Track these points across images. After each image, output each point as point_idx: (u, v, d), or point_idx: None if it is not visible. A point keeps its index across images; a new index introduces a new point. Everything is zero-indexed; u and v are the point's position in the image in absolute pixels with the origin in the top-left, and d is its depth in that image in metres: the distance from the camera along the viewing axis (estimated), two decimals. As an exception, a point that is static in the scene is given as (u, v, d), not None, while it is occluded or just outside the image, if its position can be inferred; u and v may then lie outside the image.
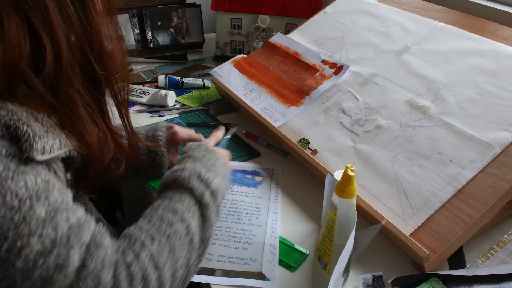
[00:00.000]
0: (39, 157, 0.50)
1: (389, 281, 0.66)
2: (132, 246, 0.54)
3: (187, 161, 0.69)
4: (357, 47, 1.07)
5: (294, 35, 1.20)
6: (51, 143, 0.51)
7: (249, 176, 0.92)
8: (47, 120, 0.53)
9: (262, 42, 1.44)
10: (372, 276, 0.68)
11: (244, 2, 1.45)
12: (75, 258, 0.49)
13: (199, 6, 1.57)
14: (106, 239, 0.53)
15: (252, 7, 1.45)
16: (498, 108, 0.79)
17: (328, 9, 1.24)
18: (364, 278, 0.68)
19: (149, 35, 1.51)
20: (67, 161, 0.56)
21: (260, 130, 1.03)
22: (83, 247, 0.50)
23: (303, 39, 1.17)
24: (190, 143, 0.75)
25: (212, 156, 0.71)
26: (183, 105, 1.21)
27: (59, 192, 0.52)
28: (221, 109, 1.19)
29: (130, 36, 1.50)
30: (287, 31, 1.42)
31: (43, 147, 0.50)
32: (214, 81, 1.19)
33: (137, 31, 1.50)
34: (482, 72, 0.86)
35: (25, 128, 0.49)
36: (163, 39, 1.54)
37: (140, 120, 1.12)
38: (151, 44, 1.52)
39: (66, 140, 0.54)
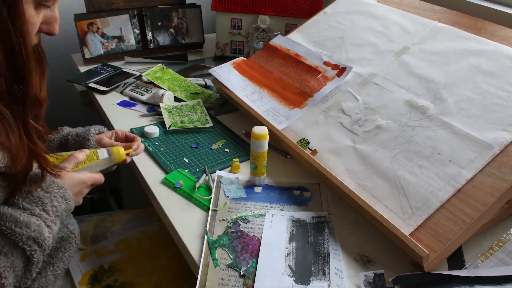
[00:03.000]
0: None
1: (390, 280, 0.66)
2: None
3: (34, 210, 0.65)
4: (356, 47, 1.07)
5: (294, 35, 1.21)
6: None
7: (297, 193, 0.88)
8: None
9: (262, 43, 1.44)
10: (374, 273, 0.68)
11: (244, 2, 1.45)
12: None
13: (199, 6, 1.57)
14: None
15: (252, 7, 1.45)
16: (497, 108, 0.79)
17: (328, 9, 1.24)
18: (365, 275, 0.68)
19: (150, 35, 1.51)
20: None
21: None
22: None
23: (303, 39, 1.18)
24: (49, 179, 0.69)
25: (63, 205, 0.69)
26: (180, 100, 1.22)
27: None
28: (221, 110, 1.19)
29: (130, 37, 1.50)
30: (287, 31, 1.43)
31: None
32: (214, 81, 1.20)
33: (137, 31, 1.51)
34: (481, 72, 0.86)
35: None
36: (163, 39, 1.54)
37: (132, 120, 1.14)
38: (152, 45, 1.52)
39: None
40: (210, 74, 1.21)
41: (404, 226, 0.71)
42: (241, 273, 0.69)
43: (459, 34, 0.96)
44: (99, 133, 0.90)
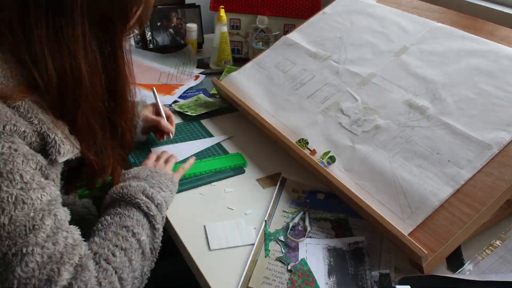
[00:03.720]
0: (60, 159, 0.60)
1: (396, 280, 0.66)
2: (99, 264, 0.60)
3: (132, 180, 0.76)
4: (356, 47, 1.07)
5: (294, 36, 1.21)
6: (68, 148, 0.61)
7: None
8: (64, 127, 0.62)
9: (261, 43, 1.44)
10: (379, 273, 0.68)
11: (243, 2, 1.45)
12: (64, 276, 0.54)
13: (199, 6, 1.57)
14: (90, 262, 0.59)
15: (251, 7, 1.45)
16: (496, 108, 0.79)
17: (327, 9, 1.24)
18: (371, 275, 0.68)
19: (149, 35, 1.51)
20: (66, 162, 0.65)
21: (257, 130, 1.04)
22: (72, 267, 0.55)
23: (302, 39, 1.18)
24: (136, 168, 0.82)
25: (155, 175, 0.80)
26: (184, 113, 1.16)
27: (64, 210, 0.60)
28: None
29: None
30: (285, 32, 1.43)
31: (64, 152, 0.60)
32: (214, 81, 1.20)
33: (136, 31, 1.50)
34: (480, 72, 0.86)
35: (52, 136, 0.58)
36: (162, 39, 1.54)
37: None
38: (151, 45, 1.52)
39: (75, 144, 0.63)
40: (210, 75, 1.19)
41: (403, 226, 0.71)
42: (288, 268, 0.70)
43: (458, 34, 0.96)
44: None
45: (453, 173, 0.73)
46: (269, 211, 0.83)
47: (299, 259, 0.72)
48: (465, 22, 1.00)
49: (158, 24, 1.52)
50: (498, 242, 0.74)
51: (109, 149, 0.70)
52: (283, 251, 0.74)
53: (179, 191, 0.87)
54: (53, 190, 0.58)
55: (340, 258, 0.73)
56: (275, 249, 0.74)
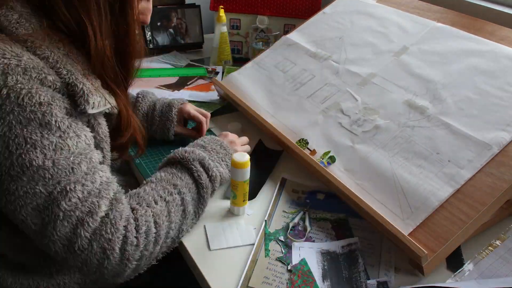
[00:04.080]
0: (90, 111, 0.63)
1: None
2: (140, 205, 0.67)
3: (198, 147, 0.82)
4: (356, 47, 1.07)
5: (294, 36, 1.21)
6: (99, 100, 0.65)
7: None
8: (95, 81, 0.66)
9: (261, 43, 1.45)
10: (377, 282, 0.68)
11: (243, 2, 1.45)
12: (102, 208, 0.62)
13: (199, 6, 1.57)
14: (123, 197, 0.66)
15: (251, 7, 1.45)
16: (496, 108, 0.79)
17: (327, 9, 1.24)
18: (368, 283, 0.68)
19: (149, 35, 1.51)
20: (106, 117, 0.71)
21: (257, 130, 1.04)
22: (108, 200, 0.63)
23: (302, 39, 1.18)
24: (210, 137, 0.87)
25: (221, 151, 0.84)
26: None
27: (97, 153, 0.66)
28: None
29: (129, 37, 1.50)
30: (285, 32, 1.43)
31: (93, 103, 0.63)
32: (214, 81, 1.20)
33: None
34: (480, 72, 0.86)
35: (81, 86, 0.62)
36: (162, 39, 1.54)
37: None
38: (151, 45, 1.52)
39: (108, 98, 0.67)
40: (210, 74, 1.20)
41: (403, 226, 0.71)
42: (288, 268, 0.70)
43: (458, 34, 0.96)
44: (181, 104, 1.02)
45: (453, 173, 0.73)
46: (269, 211, 0.83)
47: (293, 262, 0.72)
48: (465, 22, 1.00)
49: (158, 24, 1.52)
50: (498, 242, 0.74)
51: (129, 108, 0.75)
52: (283, 251, 0.74)
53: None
54: (88, 136, 0.64)
55: (334, 261, 0.72)
56: (275, 249, 0.74)
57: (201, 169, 0.76)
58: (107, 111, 0.68)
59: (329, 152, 0.87)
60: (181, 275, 0.89)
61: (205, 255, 0.74)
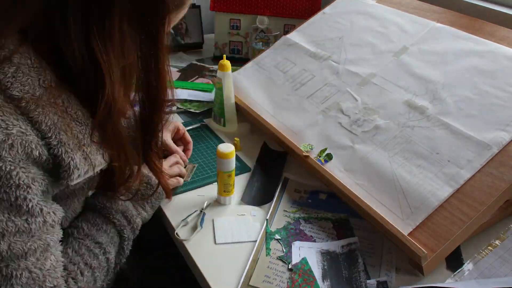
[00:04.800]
0: (72, 183, 0.58)
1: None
2: (66, 283, 0.62)
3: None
4: (355, 47, 1.08)
5: (294, 36, 1.21)
6: (86, 169, 0.59)
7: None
8: (88, 140, 0.59)
9: (261, 43, 1.45)
10: (376, 281, 0.68)
11: (243, 3, 1.45)
12: None
13: (199, 6, 1.57)
14: (62, 282, 0.61)
15: (251, 8, 1.45)
16: (496, 108, 0.79)
17: (327, 9, 1.24)
18: (368, 282, 0.68)
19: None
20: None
21: (257, 129, 1.04)
22: None
23: (302, 39, 1.18)
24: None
25: (149, 192, 0.78)
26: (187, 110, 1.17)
27: (57, 233, 0.60)
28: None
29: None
30: (285, 32, 1.43)
31: (78, 175, 0.58)
32: (214, 81, 1.20)
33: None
34: (480, 72, 0.86)
35: (68, 161, 0.56)
36: (162, 39, 1.54)
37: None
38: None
39: (102, 158, 0.61)
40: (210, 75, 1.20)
41: (403, 225, 0.71)
42: (289, 267, 0.71)
43: (458, 34, 0.97)
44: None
45: (453, 173, 0.73)
46: (271, 210, 0.83)
47: (293, 261, 0.72)
48: (465, 22, 1.00)
49: (158, 24, 1.52)
50: (497, 242, 0.74)
51: (139, 156, 0.68)
52: (284, 250, 0.74)
53: (183, 191, 0.88)
54: (57, 215, 0.59)
55: (334, 261, 0.72)
56: (276, 248, 0.75)
57: (124, 222, 0.73)
58: (92, 175, 0.62)
59: (325, 149, 0.88)
60: (181, 275, 0.90)
61: (205, 254, 0.74)
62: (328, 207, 0.84)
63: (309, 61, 1.10)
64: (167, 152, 0.92)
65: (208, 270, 0.71)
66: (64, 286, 0.61)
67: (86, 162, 0.59)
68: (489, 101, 0.81)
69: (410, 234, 0.70)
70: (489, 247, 0.73)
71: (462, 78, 0.87)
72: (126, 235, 0.73)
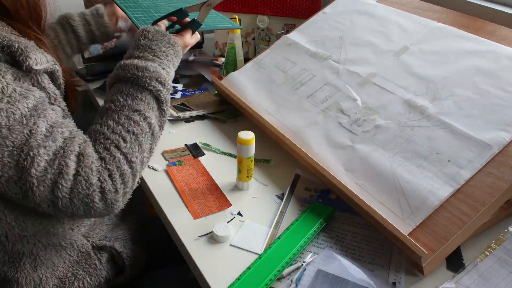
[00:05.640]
0: (35, 67, 0.63)
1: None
2: (108, 150, 0.65)
3: (147, 56, 0.77)
4: (356, 47, 1.07)
5: (294, 35, 1.20)
6: (40, 56, 0.64)
7: None
8: (28, 41, 0.64)
9: (263, 46, 1.44)
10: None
11: (243, 2, 1.45)
12: (72, 166, 0.61)
13: (198, 6, 1.57)
14: (89, 148, 0.65)
15: (251, 7, 1.45)
16: (496, 108, 0.79)
17: (327, 9, 1.24)
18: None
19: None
20: (51, 75, 0.69)
21: (258, 129, 1.03)
22: (75, 156, 0.62)
23: (302, 39, 1.18)
24: (154, 30, 0.81)
25: (171, 52, 0.81)
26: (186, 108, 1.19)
27: (52, 110, 0.65)
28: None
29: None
30: (285, 32, 1.43)
31: (35, 58, 0.63)
32: (214, 81, 1.20)
33: (136, 31, 1.50)
34: (481, 72, 0.86)
35: (16, 45, 0.61)
36: (162, 39, 1.54)
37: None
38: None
39: (47, 56, 0.67)
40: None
41: (403, 225, 0.71)
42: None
43: (458, 34, 0.96)
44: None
45: (453, 173, 0.73)
46: (280, 208, 0.83)
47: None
48: (466, 22, 1.00)
49: (158, 23, 1.52)
50: (497, 243, 0.74)
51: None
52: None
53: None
54: (36, 94, 0.63)
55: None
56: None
57: (160, 87, 0.74)
58: (50, 68, 0.68)
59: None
60: (181, 275, 0.90)
61: (206, 255, 0.74)
62: (337, 207, 0.84)
63: (309, 60, 1.10)
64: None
65: (208, 270, 0.71)
66: (107, 153, 0.65)
67: (36, 49, 0.64)
68: (489, 101, 0.81)
69: (410, 234, 0.69)
70: (489, 249, 0.73)
71: (462, 77, 0.87)
72: (163, 98, 0.74)
